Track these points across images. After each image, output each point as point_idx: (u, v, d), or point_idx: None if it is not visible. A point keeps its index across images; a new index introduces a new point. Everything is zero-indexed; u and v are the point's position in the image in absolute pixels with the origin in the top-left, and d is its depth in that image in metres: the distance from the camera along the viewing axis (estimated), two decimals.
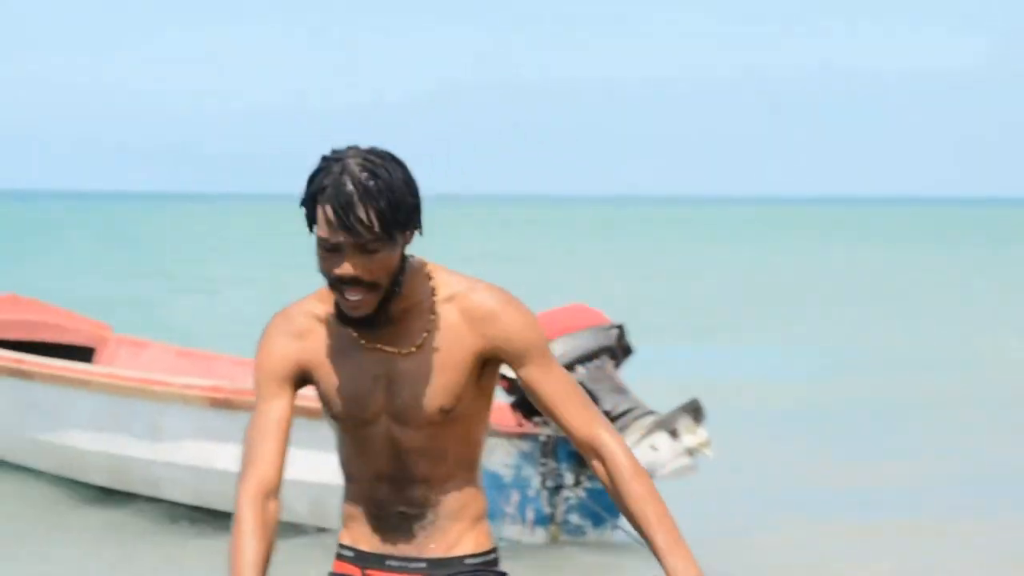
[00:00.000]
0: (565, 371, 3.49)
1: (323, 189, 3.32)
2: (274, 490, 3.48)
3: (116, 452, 10.35)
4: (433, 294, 3.45)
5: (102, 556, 9.39)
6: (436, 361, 3.43)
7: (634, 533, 3.43)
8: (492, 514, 8.91)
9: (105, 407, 10.29)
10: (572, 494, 9.02)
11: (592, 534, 9.14)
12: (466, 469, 3.52)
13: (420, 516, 3.52)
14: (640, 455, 8.76)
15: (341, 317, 3.43)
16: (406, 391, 3.44)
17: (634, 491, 3.39)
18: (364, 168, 3.32)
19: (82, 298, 24.38)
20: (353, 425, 3.51)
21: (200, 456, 9.82)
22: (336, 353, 3.49)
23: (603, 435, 3.44)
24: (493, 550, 3.56)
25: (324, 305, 3.51)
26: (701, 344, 22.49)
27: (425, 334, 3.43)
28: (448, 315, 3.43)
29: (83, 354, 12.49)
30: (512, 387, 9.03)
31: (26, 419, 10.94)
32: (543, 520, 9.03)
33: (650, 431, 8.76)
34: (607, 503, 9.10)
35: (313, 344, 3.50)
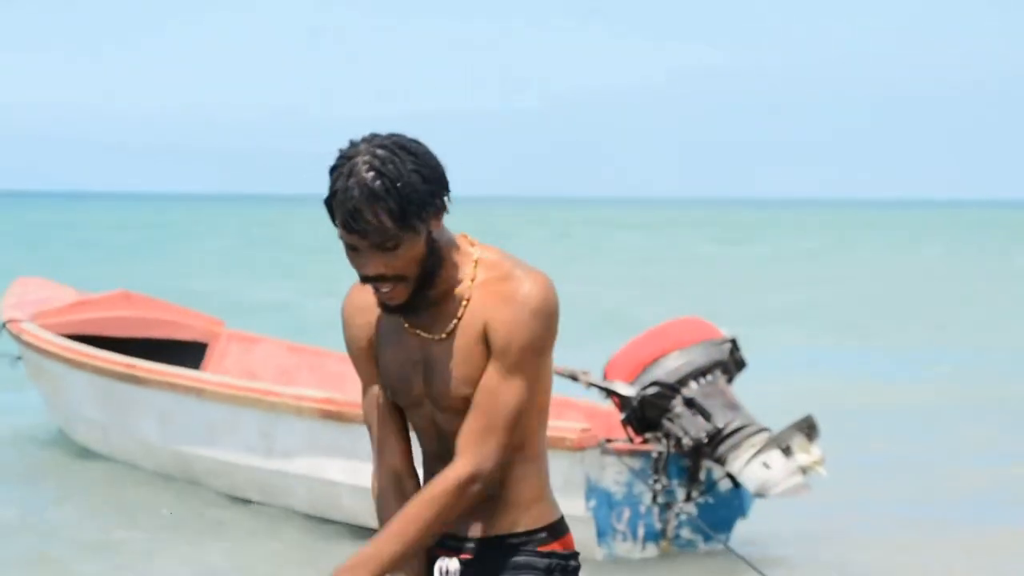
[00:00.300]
0: (519, 390, 3.38)
1: (334, 193, 3.31)
2: (405, 474, 3.56)
3: (228, 459, 10.44)
4: (473, 279, 3.41)
5: (215, 558, 9.48)
6: (463, 348, 3.40)
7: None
8: (602, 531, 8.91)
9: (217, 415, 10.38)
10: (683, 510, 8.99)
11: (703, 549, 9.11)
12: (516, 449, 3.45)
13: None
14: (753, 472, 8.72)
15: (381, 305, 3.43)
16: (438, 377, 3.42)
17: (407, 507, 3.41)
18: (371, 167, 3.29)
19: (208, 295, 24.67)
20: (405, 406, 3.53)
21: (312, 467, 9.87)
22: (388, 333, 3.50)
23: (461, 458, 3.40)
24: (541, 529, 3.52)
25: None
26: (838, 346, 22.22)
27: (456, 320, 3.40)
28: (479, 300, 3.39)
29: (195, 350, 12.60)
30: (623, 404, 9.00)
31: (140, 423, 11.05)
32: (654, 536, 9.01)
33: (763, 448, 8.69)
34: (717, 520, 9.07)
35: (375, 320, 3.54)
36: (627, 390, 8.92)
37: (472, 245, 3.44)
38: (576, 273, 35.91)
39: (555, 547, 3.52)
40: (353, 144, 3.34)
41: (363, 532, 9.80)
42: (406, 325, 3.46)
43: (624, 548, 8.97)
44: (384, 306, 3.41)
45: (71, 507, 10.86)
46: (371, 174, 3.27)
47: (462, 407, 3.42)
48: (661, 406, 8.88)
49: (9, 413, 15.15)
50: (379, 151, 3.29)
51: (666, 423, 8.90)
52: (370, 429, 3.57)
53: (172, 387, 10.59)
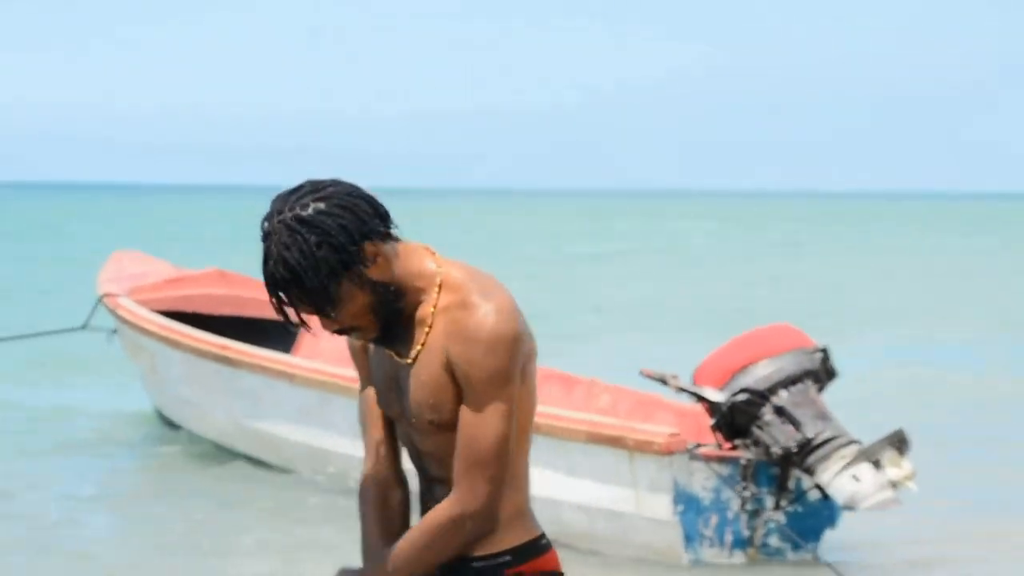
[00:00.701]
0: (495, 422, 3.36)
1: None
2: (391, 481, 3.58)
3: (317, 445, 10.48)
4: (435, 304, 3.41)
5: (315, 542, 9.54)
6: (426, 375, 3.39)
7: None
8: (690, 536, 8.87)
9: (307, 400, 10.42)
10: (772, 518, 8.94)
11: (792, 558, 9.06)
12: None
13: None
14: (842, 485, 8.65)
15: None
16: (407, 399, 3.44)
17: (407, 535, 3.47)
18: (277, 256, 3.33)
19: None
20: (390, 417, 3.56)
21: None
22: (375, 348, 3.53)
23: (452, 497, 3.41)
24: (504, 552, 3.48)
25: None
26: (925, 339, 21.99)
27: (420, 347, 3.41)
28: (439, 327, 3.39)
29: (288, 329, 12.66)
30: (712, 410, 8.95)
31: (232, 404, 11.12)
32: (741, 543, 8.96)
33: (853, 461, 8.62)
34: (806, 529, 9.01)
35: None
36: (716, 396, 8.87)
37: (438, 265, 3.43)
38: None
39: (523, 569, 3.49)
40: (268, 217, 3.37)
41: None
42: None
43: (711, 554, 8.93)
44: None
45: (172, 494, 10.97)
46: (271, 261, 3.34)
47: (431, 430, 3.43)
48: (751, 413, 8.83)
49: (107, 390, 15.37)
50: (284, 234, 3.32)
51: (755, 431, 8.84)
52: (363, 429, 3.60)
53: (264, 370, 10.64)
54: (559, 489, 9.17)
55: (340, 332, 3.41)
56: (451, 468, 3.42)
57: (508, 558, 3.48)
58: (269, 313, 12.62)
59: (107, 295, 12.36)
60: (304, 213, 3.31)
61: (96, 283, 12.89)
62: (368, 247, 3.34)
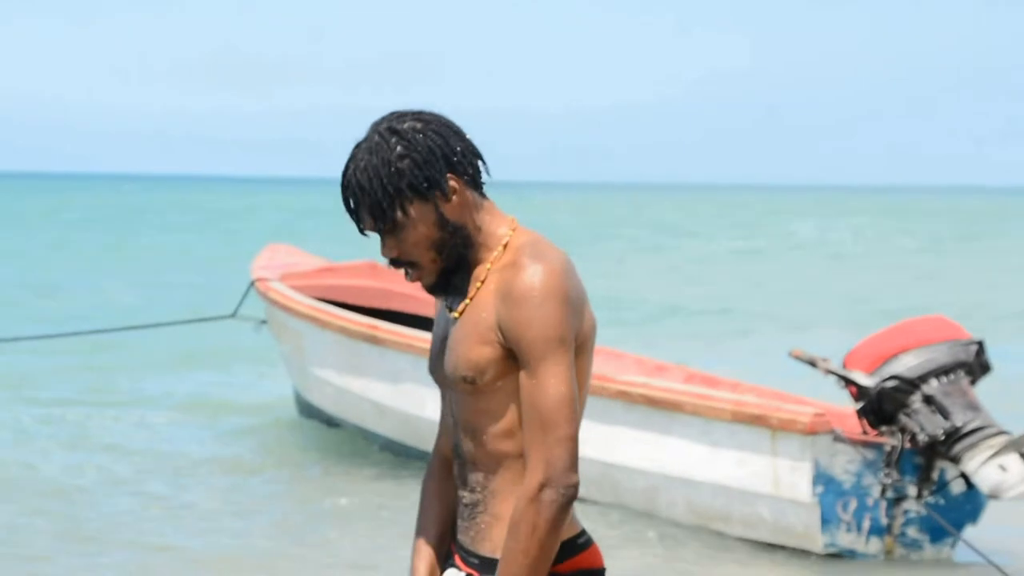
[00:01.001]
0: (554, 380, 3.16)
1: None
2: (450, 457, 3.45)
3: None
4: (492, 262, 3.29)
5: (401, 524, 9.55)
6: (469, 328, 3.25)
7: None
8: (827, 519, 8.80)
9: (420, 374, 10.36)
10: (913, 507, 8.84)
11: (929, 550, 8.94)
12: (514, 459, 3.26)
13: (475, 505, 3.34)
14: (988, 474, 8.55)
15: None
16: (449, 354, 3.30)
17: (509, 535, 3.19)
18: (360, 158, 3.28)
19: None
20: (438, 386, 3.44)
21: None
22: (438, 312, 3.45)
23: (527, 474, 3.17)
24: None
25: None
26: None
27: (468, 300, 3.29)
28: (491, 285, 3.26)
29: (418, 324, 12.72)
30: (860, 394, 8.90)
31: (379, 386, 11.17)
32: (879, 530, 8.87)
33: (1001, 451, 8.52)
34: (952, 518, 8.90)
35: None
36: (866, 380, 8.82)
37: (512, 229, 3.32)
38: None
39: (560, 569, 3.28)
40: (371, 126, 3.34)
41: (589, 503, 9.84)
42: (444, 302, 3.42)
43: (847, 539, 8.85)
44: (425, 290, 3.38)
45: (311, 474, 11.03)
46: (362, 163, 3.27)
47: (466, 390, 3.26)
48: (899, 400, 8.76)
49: (250, 377, 15.57)
50: (374, 140, 3.28)
51: (902, 418, 8.77)
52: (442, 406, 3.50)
53: (412, 349, 10.69)
54: (697, 468, 9.15)
55: (396, 264, 3.32)
56: (479, 444, 3.28)
57: None
58: (417, 308, 12.72)
59: (259, 280, 12.52)
60: (399, 126, 3.27)
61: (249, 272, 13.09)
62: (451, 180, 3.27)
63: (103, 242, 43.76)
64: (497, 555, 3.27)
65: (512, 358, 3.21)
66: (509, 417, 3.25)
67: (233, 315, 13.32)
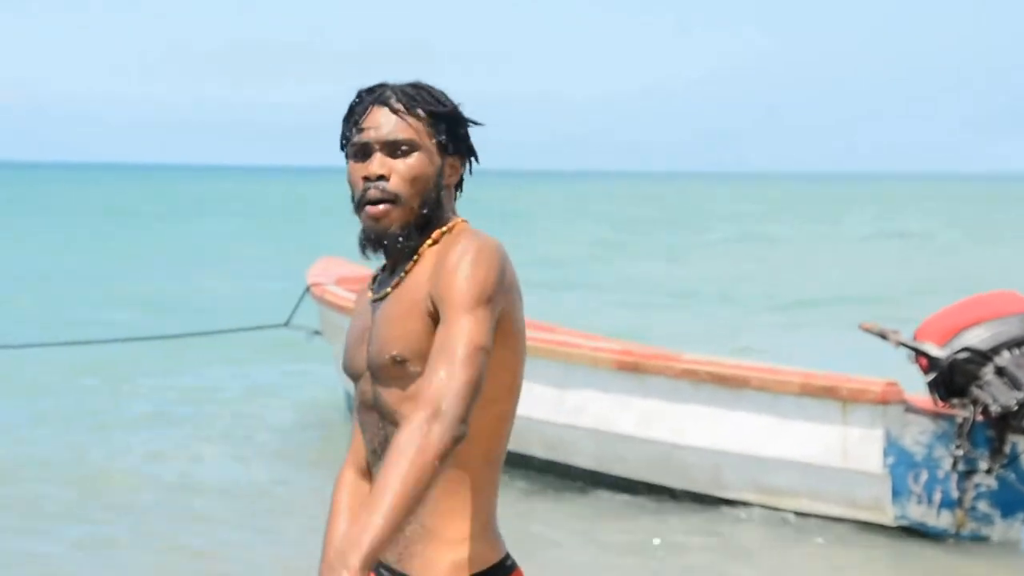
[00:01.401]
0: (469, 327, 2.96)
1: (362, 92, 3.20)
2: (367, 474, 3.27)
3: (519, 413, 10.40)
4: (434, 241, 3.15)
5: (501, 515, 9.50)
6: (400, 306, 3.08)
7: None
8: (898, 491, 8.76)
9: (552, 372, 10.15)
10: (984, 481, 8.78)
11: (1000, 524, 8.87)
12: (453, 466, 3.04)
13: None
14: None
15: (368, 226, 3.15)
16: (375, 338, 3.12)
17: (377, 478, 2.88)
18: (404, 85, 3.19)
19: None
20: (353, 381, 3.24)
21: (603, 419, 9.81)
22: (357, 310, 3.29)
23: (417, 403, 2.92)
24: None
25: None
26: None
27: (401, 275, 3.14)
28: (428, 260, 3.11)
29: None
30: (931, 366, 8.86)
31: None
32: (950, 504, 8.81)
33: None
34: (1018, 497, 8.83)
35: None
36: (937, 352, 8.78)
37: (462, 221, 3.21)
38: None
39: None
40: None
41: (650, 488, 9.77)
42: (369, 294, 3.24)
43: (918, 512, 8.79)
44: (369, 233, 3.15)
45: None
46: (406, 85, 3.19)
47: (394, 372, 3.06)
48: (971, 372, 8.72)
49: (302, 378, 15.55)
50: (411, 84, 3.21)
51: (974, 390, 8.73)
52: (353, 420, 3.34)
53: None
54: (765, 445, 9.12)
55: (381, 181, 3.12)
56: None
57: None
58: None
59: (314, 284, 12.55)
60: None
61: (304, 280, 13.13)
62: (466, 150, 3.22)
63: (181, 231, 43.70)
64: (427, 574, 3.05)
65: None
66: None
67: (286, 324, 13.37)
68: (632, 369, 9.62)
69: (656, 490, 9.72)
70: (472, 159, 3.22)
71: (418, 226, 3.12)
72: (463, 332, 2.94)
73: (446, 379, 2.90)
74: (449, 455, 2.87)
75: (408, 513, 2.82)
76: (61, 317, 20.90)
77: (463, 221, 3.19)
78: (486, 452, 3.08)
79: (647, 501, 9.69)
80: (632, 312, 22.81)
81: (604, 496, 9.84)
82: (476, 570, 3.06)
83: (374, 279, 3.26)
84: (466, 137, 3.19)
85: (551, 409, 10.06)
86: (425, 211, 3.12)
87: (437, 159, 3.14)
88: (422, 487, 2.83)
